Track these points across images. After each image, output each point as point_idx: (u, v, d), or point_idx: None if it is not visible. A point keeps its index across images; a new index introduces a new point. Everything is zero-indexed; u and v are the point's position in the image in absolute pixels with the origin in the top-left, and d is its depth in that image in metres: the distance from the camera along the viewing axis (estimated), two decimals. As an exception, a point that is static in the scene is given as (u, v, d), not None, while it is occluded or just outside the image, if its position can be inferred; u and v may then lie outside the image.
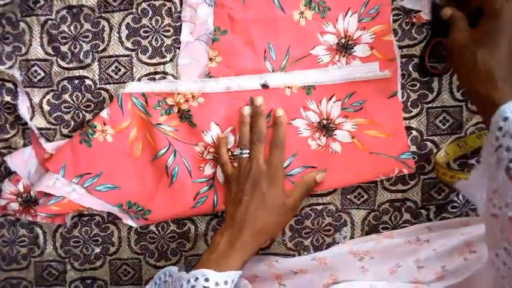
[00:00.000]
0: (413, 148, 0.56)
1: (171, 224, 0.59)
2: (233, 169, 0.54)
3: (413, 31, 0.55)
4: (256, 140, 0.53)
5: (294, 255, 0.59)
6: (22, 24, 0.57)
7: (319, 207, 0.58)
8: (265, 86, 0.55)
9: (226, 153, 0.55)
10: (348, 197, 0.57)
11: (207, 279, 0.45)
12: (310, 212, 0.58)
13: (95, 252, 0.60)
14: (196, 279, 0.45)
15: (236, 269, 0.48)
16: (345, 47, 0.55)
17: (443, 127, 0.56)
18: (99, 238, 0.60)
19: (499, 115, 0.39)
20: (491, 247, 0.40)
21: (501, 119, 0.38)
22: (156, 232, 0.59)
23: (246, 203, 0.51)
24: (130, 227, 0.59)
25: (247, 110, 0.54)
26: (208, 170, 0.57)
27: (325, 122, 0.56)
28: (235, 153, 0.54)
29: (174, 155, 0.56)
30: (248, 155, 0.53)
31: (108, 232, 0.60)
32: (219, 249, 0.49)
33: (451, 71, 0.55)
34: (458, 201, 0.57)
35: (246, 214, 0.50)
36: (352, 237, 0.58)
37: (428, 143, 0.56)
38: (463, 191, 0.52)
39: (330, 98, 0.55)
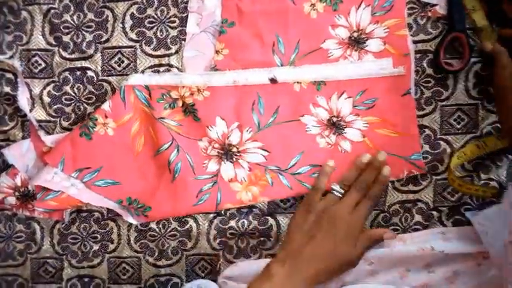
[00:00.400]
0: (426, 147, 0.54)
1: (173, 222, 0.57)
2: (321, 199, 0.51)
3: (428, 25, 0.53)
4: (358, 187, 0.51)
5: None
6: (24, 13, 0.55)
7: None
8: (273, 81, 0.53)
9: (325, 183, 0.52)
10: (357, 197, 0.55)
11: None
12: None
13: (93, 250, 0.58)
14: None
15: None
16: (357, 41, 0.53)
17: (458, 126, 0.54)
18: (98, 235, 0.58)
19: None
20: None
21: None
22: (157, 230, 0.57)
23: (318, 242, 0.48)
24: (130, 224, 0.57)
25: (366, 159, 0.52)
26: (212, 167, 0.55)
27: (335, 119, 0.54)
28: (332, 187, 0.52)
29: (177, 150, 0.55)
30: (341, 196, 0.51)
31: (107, 229, 0.58)
32: (276, 280, 0.45)
33: (466, 67, 0.53)
34: (472, 204, 0.54)
35: (314, 252, 0.47)
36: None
37: (442, 143, 0.54)
38: (475, 224, 0.51)
39: (341, 95, 0.53)
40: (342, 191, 0.51)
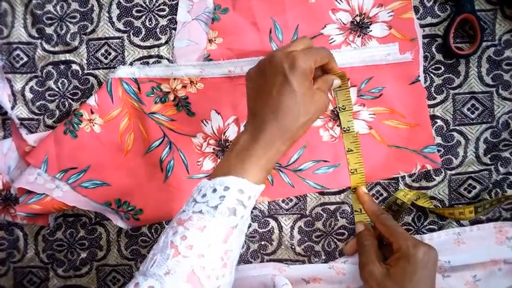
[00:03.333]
0: (439, 140, 0.50)
1: (166, 226, 0.53)
2: (257, 64, 0.42)
3: (436, 8, 0.50)
4: (297, 40, 0.42)
5: (303, 262, 0.52)
6: (4, 4, 0.52)
7: (332, 207, 0.51)
8: (271, 70, 0.50)
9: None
10: (365, 195, 0.51)
11: (241, 191, 0.36)
12: (322, 213, 0.51)
13: (80, 258, 0.54)
14: (227, 188, 0.35)
15: (262, 174, 0.38)
16: (360, 26, 0.50)
17: (472, 116, 0.50)
18: (86, 241, 0.54)
19: None
20: None
21: None
22: (149, 235, 0.53)
23: (266, 91, 0.39)
24: (120, 229, 0.53)
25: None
26: (207, 165, 0.51)
27: (339, 110, 0.50)
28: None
29: (170, 147, 0.51)
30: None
31: (95, 235, 0.54)
32: (240, 145, 0.38)
33: (479, 52, 0.49)
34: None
35: (267, 104, 0.39)
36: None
37: (456, 134, 0.50)
38: None
39: (344, 84, 0.49)
40: None
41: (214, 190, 0.36)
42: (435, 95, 0.50)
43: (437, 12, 0.50)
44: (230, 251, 0.36)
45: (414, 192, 0.50)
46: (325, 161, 0.50)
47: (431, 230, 0.50)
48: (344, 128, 0.49)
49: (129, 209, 0.51)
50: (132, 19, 0.52)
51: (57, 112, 0.53)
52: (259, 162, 0.38)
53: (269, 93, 0.39)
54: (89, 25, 0.52)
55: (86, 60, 0.52)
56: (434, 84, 0.50)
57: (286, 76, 0.38)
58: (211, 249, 0.34)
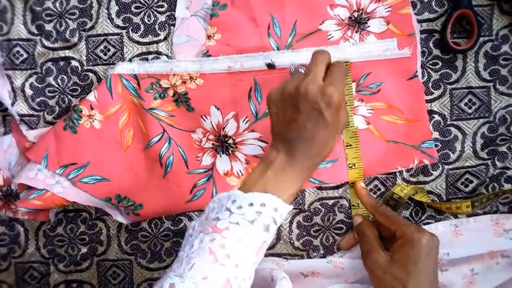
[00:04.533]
0: (436, 134, 0.50)
1: (165, 221, 0.53)
2: (284, 83, 0.43)
3: (433, 3, 0.50)
4: (318, 55, 0.43)
5: (302, 256, 0.52)
6: (3, 1, 0.53)
7: (330, 202, 0.52)
8: (271, 66, 0.50)
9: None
10: (363, 189, 0.51)
11: (275, 209, 0.37)
12: (320, 207, 0.52)
13: (81, 253, 0.55)
14: (263, 205, 0.37)
15: (292, 194, 0.40)
16: (357, 22, 0.50)
17: (469, 111, 0.50)
18: (86, 237, 0.54)
19: None
20: None
21: None
22: (149, 230, 0.54)
23: (301, 122, 0.40)
24: (120, 224, 0.54)
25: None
26: (206, 160, 0.52)
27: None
28: (290, 70, 0.45)
29: (169, 143, 0.51)
30: (304, 71, 0.43)
31: (95, 230, 0.54)
32: (276, 166, 0.40)
33: (476, 47, 0.49)
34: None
35: (301, 134, 0.40)
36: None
37: (453, 129, 0.50)
38: None
39: (342, 79, 0.50)
40: (304, 69, 0.43)
41: (251, 204, 0.37)
42: (432, 90, 0.50)
43: (434, 7, 0.50)
44: (257, 264, 0.38)
45: (411, 187, 0.50)
46: (324, 156, 0.50)
47: (429, 224, 0.51)
48: None
49: (129, 204, 0.52)
50: (131, 15, 0.52)
51: (57, 108, 0.53)
52: (294, 186, 0.40)
53: (303, 126, 0.41)
54: (88, 21, 0.52)
55: (85, 56, 0.52)
56: (432, 80, 0.50)
57: (322, 113, 0.40)
58: (246, 260, 0.36)
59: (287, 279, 0.44)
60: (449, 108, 0.50)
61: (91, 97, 0.50)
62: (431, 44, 0.50)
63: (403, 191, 0.49)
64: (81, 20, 0.52)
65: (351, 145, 0.50)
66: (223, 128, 0.51)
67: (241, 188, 0.40)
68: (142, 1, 0.52)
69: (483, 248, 0.48)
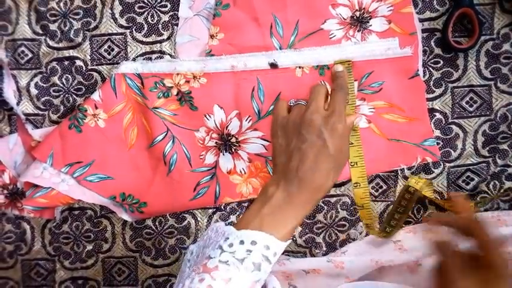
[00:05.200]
0: (437, 133, 0.51)
1: (170, 219, 0.54)
2: (286, 115, 0.43)
3: (435, 2, 0.50)
4: (317, 87, 0.43)
5: (304, 253, 0.53)
6: (8, 2, 0.53)
7: (333, 200, 0.52)
8: (274, 66, 0.50)
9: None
10: (365, 187, 0.52)
11: (267, 247, 0.36)
12: (323, 205, 0.52)
13: (86, 250, 0.55)
14: (254, 243, 0.36)
15: (289, 231, 0.38)
16: (359, 21, 0.50)
17: (471, 109, 0.51)
18: (91, 234, 0.55)
19: None
20: None
21: None
22: (153, 227, 0.54)
23: (303, 152, 0.40)
24: (125, 221, 0.54)
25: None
26: (210, 158, 0.52)
27: (339, 104, 0.50)
28: (290, 103, 0.44)
29: (173, 141, 0.52)
30: (305, 103, 0.43)
31: (100, 227, 0.55)
32: (274, 202, 0.39)
33: (477, 45, 0.50)
34: (489, 192, 0.51)
35: (304, 166, 0.40)
36: (368, 233, 0.52)
37: (454, 127, 0.51)
38: None
39: (344, 78, 0.50)
40: (304, 102, 0.43)
41: (242, 242, 0.36)
42: (434, 89, 0.51)
43: (436, 6, 0.50)
44: None
45: (424, 180, 0.50)
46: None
47: (430, 221, 0.51)
48: None
49: (134, 202, 0.52)
50: (134, 15, 0.52)
51: (62, 107, 0.53)
52: (292, 222, 0.38)
53: (306, 155, 0.40)
54: (92, 21, 0.52)
55: (90, 56, 0.53)
56: (433, 78, 0.51)
57: (326, 142, 0.40)
58: None
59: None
60: (450, 106, 0.51)
61: (95, 96, 0.51)
62: (432, 43, 0.50)
63: (418, 184, 0.49)
64: (85, 19, 0.52)
65: (352, 143, 0.50)
66: (227, 126, 0.52)
67: (238, 223, 0.39)
68: (146, 1, 0.52)
69: None
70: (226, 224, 0.39)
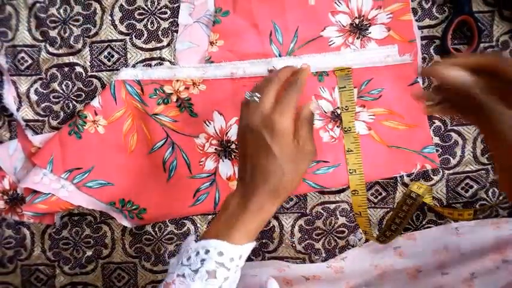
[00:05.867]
0: (436, 140, 0.51)
1: (169, 225, 0.54)
2: (239, 131, 0.42)
3: (434, 10, 0.50)
4: (268, 80, 0.41)
5: (304, 259, 0.53)
6: (8, 8, 0.53)
7: (332, 206, 0.52)
8: (271, 72, 0.50)
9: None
10: (364, 194, 0.52)
11: (220, 253, 0.36)
12: (322, 212, 0.52)
13: (86, 255, 0.55)
14: (207, 251, 0.37)
15: (249, 235, 0.39)
16: (359, 28, 0.50)
17: (470, 116, 0.51)
18: (91, 240, 0.55)
19: None
20: None
21: None
22: (153, 233, 0.54)
23: (251, 157, 0.40)
24: (125, 227, 0.54)
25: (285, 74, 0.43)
26: (209, 165, 0.52)
27: (339, 111, 0.50)
28: (246, 97, 0.41)
29: (172, 148, 0.52)
30: (258, 99, 0.41)
31: (100, 233, 0.55)
32: (229, 211, 0.39)
33: (477, 52, 0.50)
34: (488, 199, 0.51)
35: (254, 170, 0.39)
36: (367, 240, 0.52)
37: (453, 134, 0.51)
38: None
39: (344, 85, 0.50)
40: (259, 95, 0.40)
41: (197, 253, 0.37)
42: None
43: (435, 14, 0.50)
44: None
45: (426, 186, 0.50)
46: (325, 162, 0.51)
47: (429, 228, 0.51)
48: (345, 128, 0.50)
49: (133, 208, 0.52)
50: (134, 22, 0.52)
51: (62, 114, 0.53)
52: (247, 227, 0.38)
53: (253, 160, 0.39)
54: (92, 28, 0.52)
55: (90, 62, 0.53)
56: (432, 85, 0.51)
57: (267, 143, 0.38)
58: None
59: None
60: (449, 113, 0.51)
61: (95, 103, 0.51)
62: (431, 50, 0.50)
63: (420, 189, 0.50)
64: (85, 26, 0.52)
65: (352, 151, 0.50)
66: (226, 133, 0.52)
67: (200, 236, 0.39)
68: (146, 8, 0.52)
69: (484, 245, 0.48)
70: (196, 237, 0.39)
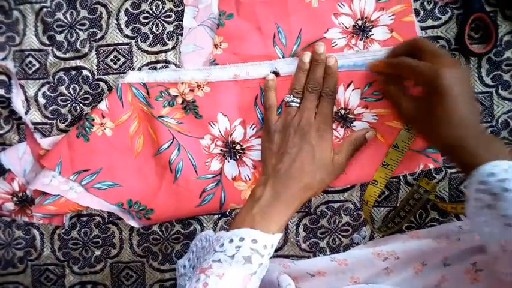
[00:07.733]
0: (439, 139, 0.51)
1: (176, 225, 0.55)
2: (278, 117, 0.49)
3: (436, 11, 0.50)
4: (310, 89, 0.48)
5: (308, 257, 0.54)
6: (15, 13, 0.54)
7: (336, 205, 0.53)
8: (276, 74, 0.51)
9: (274, 97, 0.50)
10: (368, 193, 0.53)
11: (254, 241, 0.39)
12: (326, 211, 0.53)
13: (95, 255, 0.56)
14: (242, 239, 0.39)
15: (281, 225, 0.43)
16: (362, 30, 0.51)
17: (472, 115, 0.51)
18: (99, 240, 0.56)
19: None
20: None
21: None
22: (160, 233, 0.55)
23: (293, 155, 0.46)
24: (132, 227, 0.55)
25: (307, 58, 0.49)
26: (215, 166, 0.53)
27: (343, 112, 0.51)
28: (286, 99, 0.49)
29: (178, 149, 0.52)
30: (298, 105, 0.49)
31: (108, 233, 0.56)
32: (263, 202, 0.44)
33: (487, 51, 0.50)
34: (490, 197, 0.51)
35: (292, 167, 0.45)
36: (371, 238, 0.53)
37: (456, 134, 0.51)
38: None
39: (348, 86, 0.51)
40: (298, 100, 0.49)
41: (231, 241, 0.40)
42: (436, 96, 0.51)
43: (437, 14, 0.50)
44: None
45: (433, 183, 0.51)
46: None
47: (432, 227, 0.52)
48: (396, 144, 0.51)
49: (141, 208, 0.53)
50: (139, 25, 0.53)
51: (69, 116, 0.54)
52: (282, 218, 0.43)
53: (295, 158, 0.46)
54: (98, 32, 0.53)
55: (96, 66, 0.54)
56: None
57: (313, 145, 0.46)
58: None
59: (292, 285, 0.46)
60: (452, 113, 0.51)
61: (102, 106, 0.52)
62: (434, 51, 0.51)
63: (428, 185, 0.51)
64: (91, 30, 0.53)
65: (397, 147, 0.50)
66: (231, 134, 0.53)
67: (231, 226, 0.42)
68: (151, 11, 0.53)
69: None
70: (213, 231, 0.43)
